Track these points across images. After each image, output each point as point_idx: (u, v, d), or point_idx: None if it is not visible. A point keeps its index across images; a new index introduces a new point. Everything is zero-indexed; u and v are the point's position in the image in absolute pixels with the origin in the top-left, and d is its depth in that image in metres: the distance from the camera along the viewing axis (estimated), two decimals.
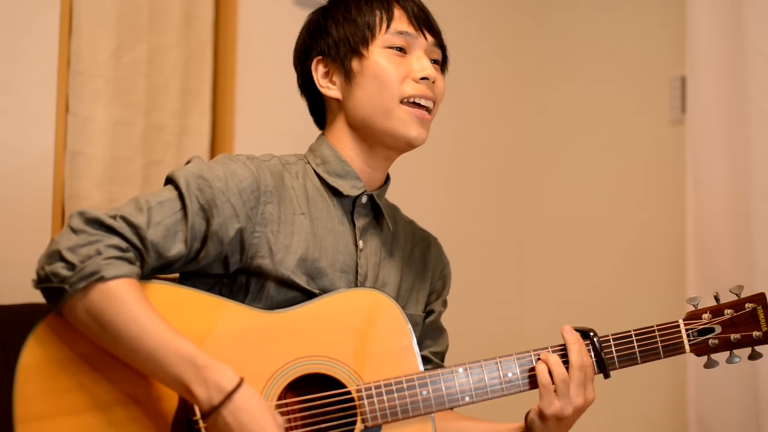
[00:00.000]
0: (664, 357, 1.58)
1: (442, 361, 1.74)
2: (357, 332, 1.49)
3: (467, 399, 1.50)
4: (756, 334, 1.59)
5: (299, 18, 1.71)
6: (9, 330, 1.69)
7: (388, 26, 1.59)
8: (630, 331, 1.57)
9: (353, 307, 1.51)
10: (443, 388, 1.49)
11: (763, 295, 1.61)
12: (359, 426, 1.44)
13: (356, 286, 1.58)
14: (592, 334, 1.56)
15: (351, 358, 1.47)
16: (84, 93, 2.31)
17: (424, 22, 1.62)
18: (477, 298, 3.18)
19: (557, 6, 3.39)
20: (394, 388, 1.46)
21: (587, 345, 1.55)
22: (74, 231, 1.34)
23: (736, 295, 1.61)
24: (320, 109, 1.68)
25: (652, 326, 1.58)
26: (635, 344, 1.57)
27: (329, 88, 1.62)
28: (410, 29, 1.60)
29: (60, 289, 1.31)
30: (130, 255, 1.36)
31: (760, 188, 2.52)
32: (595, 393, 1.54)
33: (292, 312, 1.48)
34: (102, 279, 1.31)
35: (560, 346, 1.54)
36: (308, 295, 1.51)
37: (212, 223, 1.43)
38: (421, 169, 2.91)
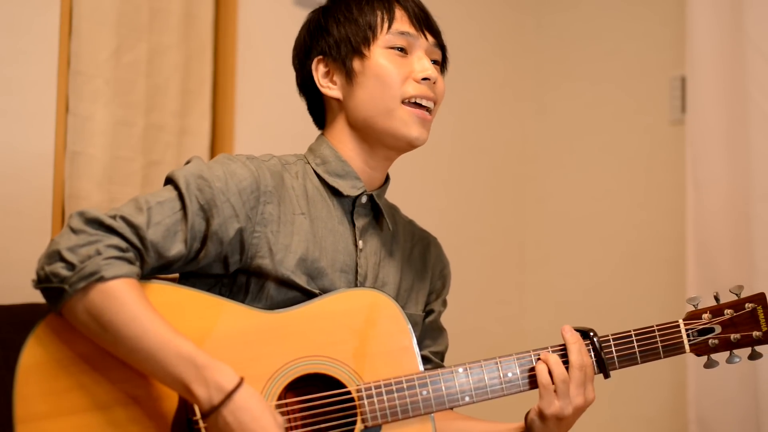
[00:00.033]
0: (664, 357, 1.58)
1: (442, 360, 1.74)
2: (357, 332, 1.49)
3: (467, 399, 1.50)
4: (756, 334, 1.59)
5: (299, 18, 1.71)
6: (9, 330, 1.69)
7: (389, 26, 1.59)
8: (630, 331, 1.57)
9: (353, 307, 1.51)
10: (443, 388, 1.49)
11: (763, 295, 1.61)
12: (359, 426, 1.45)
13: (356, 286, 1.58)
14: (592, 334, 1.56)
15: (351, 358, 1.47)
16: (84, 93, 2.31)
17: (424, 22, 1.62)
18: (477, 298, 3.18)
19: (557, 6, 3.39)
20: (394, 388, 1.46)
21: (587, 345, 1.55)
22: (74, 231, 1.34)
23: (736, 295, 1.61)
24: (319, 109, 1.68)
25: (652, 326, 1.58)
26: (635, 344, 1.57)
27: (330, 87, 1.62)
28: (411, 29, 1.60)
29: (60, 290, 1.31)
30: (130, 255, 1.36)
31: (760, 188, 2.52)
32: (595, 393, 1.54)
33: (292, 312, 1.48)
34: (102, 279, 1.31)
35: (560, 346, 1.54)
36: (308, 295, 1.51)
37: (212, 223, 1.43)
38: (421, 169, 2.91)
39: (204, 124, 2.57)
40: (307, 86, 1.66)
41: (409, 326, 1.52)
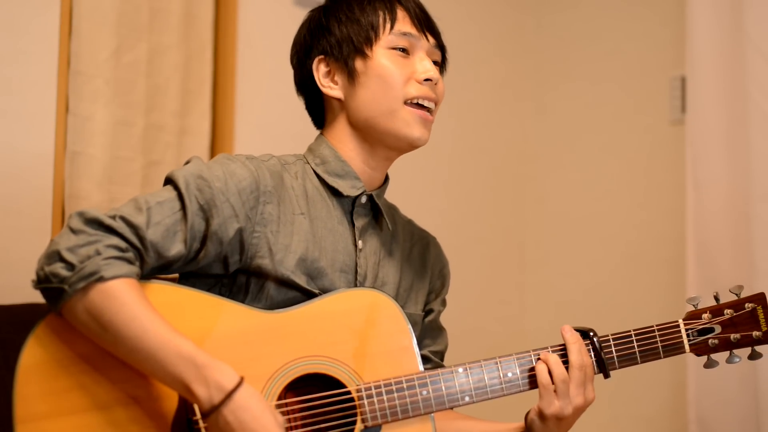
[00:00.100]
0: (664, 357, 1.58)
1: (442, 360, 1.74)
2: (357, 332, 1.49)
3: (467, 399, 1.50)
4: (756, 334, 1.59)
5: (299, 18, 1.71)
6: (9, 330, 1.69)
7: (391, 27, 1.59)
8: (630, 331, 1.57)
9: (353, 307, 1.51)
10: (443, 388, 1.49)
11: (762, 295, 1.61)
12: (359, 426, 1.45)
13: (356, 285, 1.58)
14: (591, 334, 1.56)
15: (351, 358, 1.47)
16: (84, 93, 2.31)
17: (425, 23, 1.62)
18: (477, 298, 3.18)
19: (557, 6, 3.39)
20: (394, 388, 1.46)
21: (587, 345, 1.55)
22: (73, 231, 1.34)
23: (736, 295, 1.61)
24: (318, 108, 1.67)
25: (652, 326, 1.58)
26: (635, 344, 1.57)
27: (331, 87, 1.62)
28: (413, 30, 1.60)
29: (59, 290, 1.31)
30: (130, 255, 1.36)
31: (760, 188, 2.52)
32: (595, 393, 1.54)
33: (292, 312, 1.48)
34: (101, 279, 1.31)
35: (560, 346, 1.54)
36: (308, 295, 1.51)
37: (211, 223, 1.43)
38: (421, 169, 2.91)
39: (204, 124, 2.57)
40: (306, 85, 1.66)
41: (409, 326, 1.52)
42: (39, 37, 2.21)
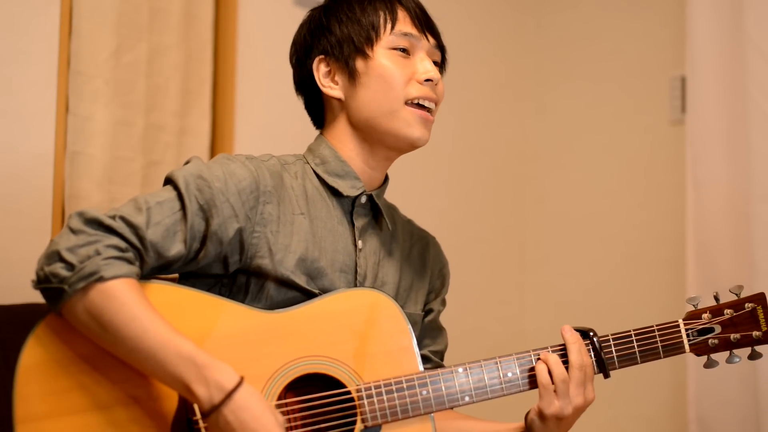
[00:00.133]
0: (664, 357, 1.58)
1: (442, 359, 1.74)
2: (357, 332, 1.49)
3: (467, 399, 1.50)
4: (756, 333, 1.59)
5: (299, 18, 1.71)
6: (9, 330, 1.69)
7: (392, 27, 1.59)
8: (630, 331, 1.57)
9: (353, 307, 1.51)
10: (443, 388, 1.49)
11: (762, 295, 1.61)
12: (359, 426, 1.45)
13: (355, 285, 1.58)
14: (591, 334, 1.56)
15: (351, 358, 1.47)
16: (84, 93, 2.31)
17: (426, 23, 1.62)
18: (477, 298, 3.18)
19: (557, 6, 3.39)
20: (393, 388, 1.46)
21: (587, 345, 1.55)
22: (73, 231, 1.34)
23: (736, 295, 1.61)
24: (317, 108, 1.67)
25: (652, 326, 1.58)
26: (635, 344, 1.57)
27: (331, 87, 1.62)
28: (414, 31, 1.60)
29: (59, 290, 1.31)
30: (130, 255, 1.36)
31: (760, 188, 2.52)
32: (595, 393, 1.54)
33: (291, 312, 1.48)
34: (101, 279, 1.31)
35: (560, 345, 1.54)
36: (308, 295, 1.51)
37: (211, 223, 1.43)
38: (421, 169, 2.91)
39: (204, 124, 2.57)
40: (305, 85, 1.66)
41: (409, 326, 1.52)
42: (39, 37, 2.21)
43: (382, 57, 1.58)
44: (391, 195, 1.72)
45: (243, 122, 2.59)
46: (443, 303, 1.77)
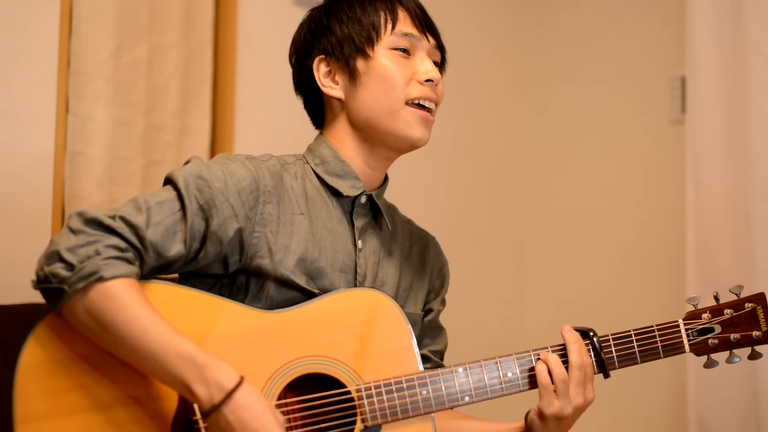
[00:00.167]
0: (664, 357, 1.58)
1: (441, 359, 1.74)
2: (357, 332, 1.49)
3: (467, 399, 1.50)
4: (756, 333, 1.59)
5: (299, 18, 1.71)
6: (9, 330, 1.69)
7: (393, 27, 1.59)
8: (630, 331, 1.57)
9: (353, 307, 1.51)
10: (443, 387, 1.49)
11: (762, 295, 1.61)
12: (359, 426, 1.45)
13: (355, 285, 1.58)
14: (591, 333, 1.56)
15: (351, 358, 1.47)
16: (84, 93, 2.31)
17: (426, 23, 1.63)
18: (477, 298, 3.18)
19: (557, 6, 3.39)
20: (393, 388, 1.46)
21: (587, 345, 1.55)
22: (73, 231, 1.34)
23: (736, 295, 1.61)
24: (317, 107, 1.67)
25: (652, 326, 1.58)
26: (635, 344, 1.57)
27: (332, 87, 1.62)
28: (414, 31, 1.60)
29: (59, 290, 1.31)
30: (129, 255, 1.36)
31: (760, 188, 2.52)
32: (595, 393, 1.54)
33: (291, 312, 1.48)
34: (101, 279, 1.31)
35: (560, 345, 1.54)
36: (308, 295, 1.51)
37: (211, 224, 1.43)
38: (421, 169, 2.91)
39: (204, 124, 2.57)
40: (305, 85, 1.66)
41: (409, 326, 1.52)
42: (39, 37, 2.21)
43: (382, 57, 1.58)
44: (391, 195, 1.72)
45: (243, 122, 2.59)
46: (443, 303, 1.77)
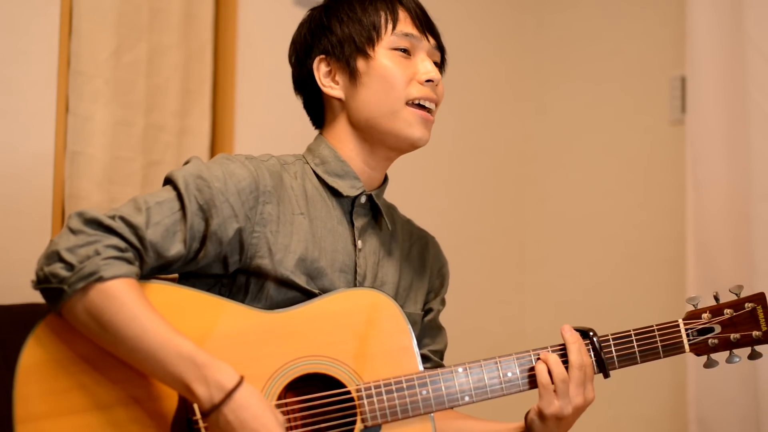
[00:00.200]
0: (664, 357, 1.58)
1: (441, 359, 1.74)
2: (357, 332, 1.49)
3: (467, 399, 1.50)
4: (755, 333, 1.59)
5: (299, 18, 1.71)
6: (9, 330, 1.69)
7: (393, 27, 1.59)
8: (630, 331, 1.57)
9: (353, 307, 1.51)
10: (443, 387, 1.49)
11: (762, 294, 1.61)
12: (359, 426, 1.45)
13: (355, 285, 1.58)
14: (591, 333, 1.56)
15: (351, 357, 1.47)
16: (84, 93, 2.31)
17: (426, 24, 1.63)
18: (477, 298, 3.18)
19: (557, 6, 3.39)
20: (393, 387, 1.46)
21: (587, 345, 1.55)
22: (73, 231, 1.34)
23: (736, 294, 1.61)
24: (317, 107, 1.67)
25: (652, 326, 1.58)
26: (635, 344, 1.57)
27: (332, 87, 1.62)
28: (415, 31, 1.60)
29: (59, 290, 1.31)
30: (129, 255, 1.36)
31: (760, 188, 2.52)
32: (595, 393, 1.54)
33: (291, 312, 1.48)
34: (101, 279, 1.31)
35: (560, 345, 1.54)
36: (308, 295, 1.51)
37: (211, 224, 1.43)
38: (421, 169, 2.91)
39: (204, 124, 2.57)
40: (305, 84, 1.66)
41: (409, 326, 1.52)
42: (39, 37, 2.21)
43: (383, 57, 1.58)
44: (391, 195, 1.72)
45: (243, 122, 2.59)
46: (443, 302, 1.77)
